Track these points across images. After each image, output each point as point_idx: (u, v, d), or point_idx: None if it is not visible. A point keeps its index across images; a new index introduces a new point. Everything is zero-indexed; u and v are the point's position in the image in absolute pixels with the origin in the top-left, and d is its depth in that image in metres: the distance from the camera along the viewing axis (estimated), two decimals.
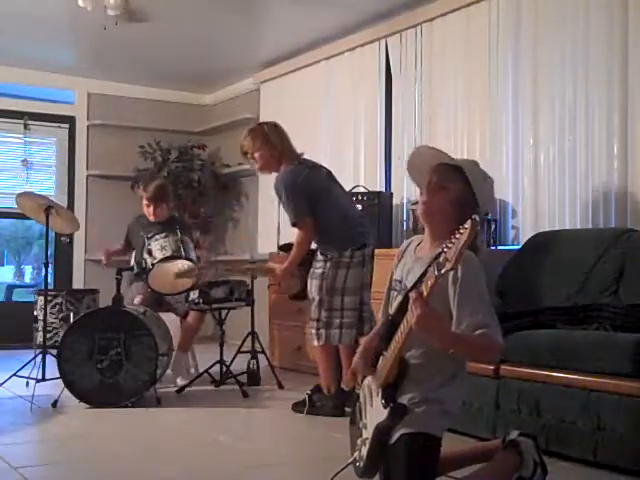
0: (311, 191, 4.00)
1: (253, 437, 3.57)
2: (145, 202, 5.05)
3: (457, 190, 2.26)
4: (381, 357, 2.27)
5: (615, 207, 4.10)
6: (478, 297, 2.15)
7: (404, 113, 5.52)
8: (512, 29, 4.72)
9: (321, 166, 4.25)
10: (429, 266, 2.03)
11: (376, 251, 4.64)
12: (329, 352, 4.01)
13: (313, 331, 4.01)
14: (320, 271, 3.98)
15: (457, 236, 1.86)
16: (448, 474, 2.40)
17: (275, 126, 4.21)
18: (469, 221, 1.85)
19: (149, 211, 5.06)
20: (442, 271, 1.90)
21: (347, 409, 3.86)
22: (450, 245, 1.87)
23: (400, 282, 2.35)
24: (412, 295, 2.02)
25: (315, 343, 4.02)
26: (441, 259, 1.90)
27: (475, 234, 1.86)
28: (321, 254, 4.02)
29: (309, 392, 4.04)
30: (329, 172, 4.24)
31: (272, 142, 4.12)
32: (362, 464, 2.33)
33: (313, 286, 4.00)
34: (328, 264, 3.96)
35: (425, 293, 1.99)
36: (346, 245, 3.97)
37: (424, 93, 5.37)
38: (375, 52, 5.76)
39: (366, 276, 4.03)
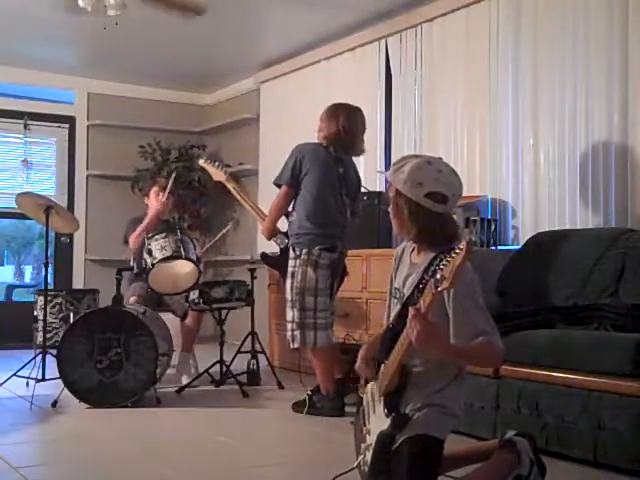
0: (308, 167, 3.97)
1: (253, 437, 3.57)
2: (156, 189, 5.17)
3: (397, 202, 2.29)
4: (382, 365, 2.30)
5: (615, 207, 4.10)
6: (474, 305, 2.18)
7: (404, 113, 5.52)
8: (512, 29, 4.72)
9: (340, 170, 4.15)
10: (424, 274, 2.11)
11: (376, 251, 4.62)
12: (325, 354, 4.00)
13: (288, 333, 4.00)
14: (291, 270, 3.99)
15: (452, 255, 1.89)
16: (446, 474, 2.41)
17: (339, 109, 4.10)
18: (464, 242, 1.89)
19: (159, 197, 5.13)
20: (439, 289, 1.95)
21: (347, 409, 3.87)
22: (446, 263, 1.91)
23: (399, 290, 2.39)
24: (411, 311, 2.05)
25: (292, 345, 4.01)
26: (438, 276, 1.93)
27: (470, 255, 1.88)
28: (292, 250, 4.01)
29: (310, 392, 4.03)
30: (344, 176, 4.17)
31: (323, 119, 4.09)
32: (367, 469, 2.36)
33: (287, 285, 4.02)
34: (298, 262, 3.96)
35: (423, 310, 2.03)
36: (315, 243, 3.94)
37: (424, 93, 5.36)
38: (375, 52, 5.76)
39: (333, 281, 4.04)
